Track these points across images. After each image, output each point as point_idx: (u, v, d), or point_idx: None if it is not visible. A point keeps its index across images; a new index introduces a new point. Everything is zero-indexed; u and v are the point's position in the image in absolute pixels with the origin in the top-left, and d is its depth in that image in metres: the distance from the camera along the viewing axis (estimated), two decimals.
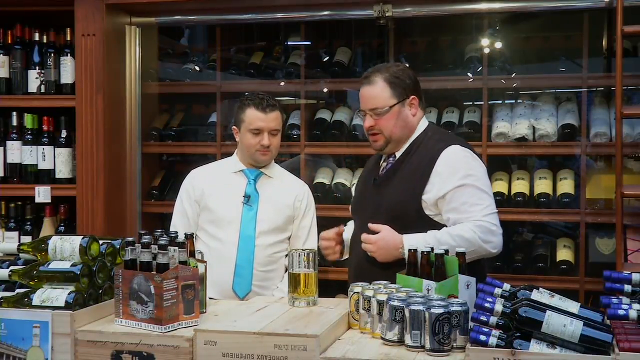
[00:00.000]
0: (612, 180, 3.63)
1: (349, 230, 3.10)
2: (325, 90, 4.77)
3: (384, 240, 2.76)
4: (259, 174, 3.39)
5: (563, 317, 2.04)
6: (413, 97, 2.92)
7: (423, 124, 2.97)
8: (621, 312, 2.08)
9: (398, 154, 2.95)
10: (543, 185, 4.09)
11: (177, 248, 2.39)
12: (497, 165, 4.25)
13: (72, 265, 2.49)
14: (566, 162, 4.29)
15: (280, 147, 4.59)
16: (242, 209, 3.32)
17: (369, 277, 2.58)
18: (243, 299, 3.22)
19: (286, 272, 3.33)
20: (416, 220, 2.81)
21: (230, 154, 3.54)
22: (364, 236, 2.82)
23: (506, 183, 4.16)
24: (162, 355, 2.29)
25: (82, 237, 2.55)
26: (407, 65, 3.03)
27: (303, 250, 2.65)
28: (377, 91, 2.91)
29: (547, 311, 2.04)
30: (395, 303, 2.23)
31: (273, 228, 3.35)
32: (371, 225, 2.81)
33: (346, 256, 3.08)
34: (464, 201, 2.76)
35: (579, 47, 4.14)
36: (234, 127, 3.43)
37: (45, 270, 2.50)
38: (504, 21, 4.43)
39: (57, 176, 4.18)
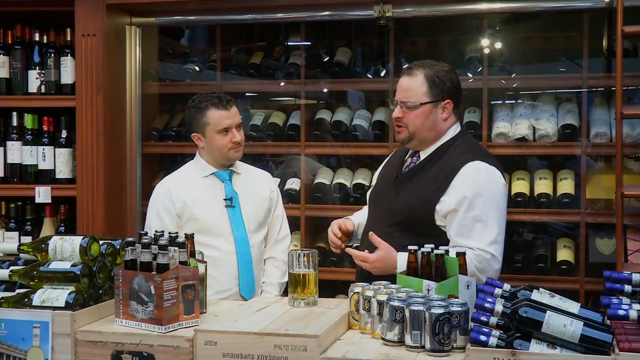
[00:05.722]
0: (612, 180, 3.63)
1: (361, 214, 3.09)
2: (325, 90, 4.77)
3: (380, 260, 2.73)
4: (230, 173, 3.35)
5: (563, 317, 2.04)
6: (448, 100, 2.86)
7: (454, 130, 2.91)
8: (621, 312, 2.07)
9: (423, 155, 2.90)
10: (543, 185, 4.09)
11: (177, 248, 2.39)
12: None
13: (72, 265, 2.49)
14: (566, 162, 4.29)
15: (280, 147, 4.66)
16: (227, 212, 3.28)
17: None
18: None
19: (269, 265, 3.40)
20: (427, 226, 2.78)
21: None
22: (361, 254, 2.77)
23: (506, 183, 4.15)
24: (162, 355, 2.29)
25: (82, 237, 2.54)
26: (451, 68, 2.95)
27: (303, 250, 2.65)
28: (414, 84, 2.86)
29: (547, 311, 2.04)
30: (395, 303, 2.23)
31: (259, 224, 3.35)
32: (372, 237, 2.77)
33: (356, 243, 3.04)
34: (470, 223, 2.71)
35: (579, 47, 4.13)
36: (195, 133, 3.30)
37: (45, 270, 2.50)
38: (504, 21, 4.43)
39: (57, 176, 4.19)
